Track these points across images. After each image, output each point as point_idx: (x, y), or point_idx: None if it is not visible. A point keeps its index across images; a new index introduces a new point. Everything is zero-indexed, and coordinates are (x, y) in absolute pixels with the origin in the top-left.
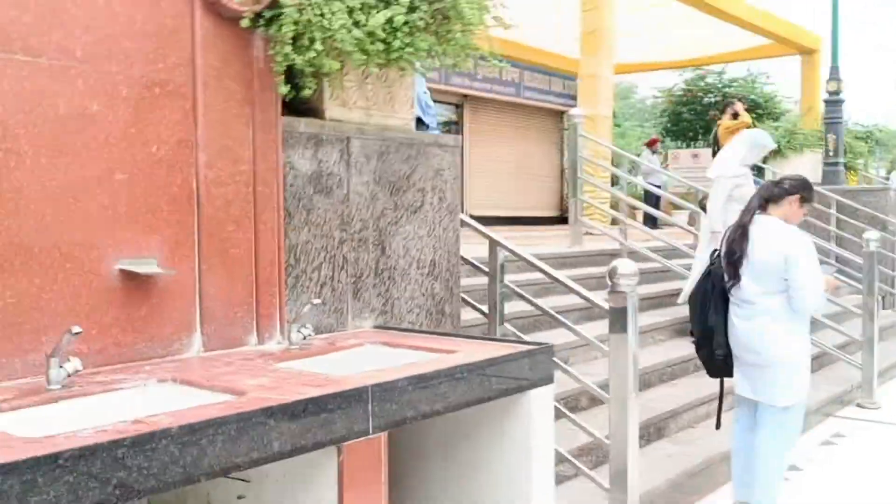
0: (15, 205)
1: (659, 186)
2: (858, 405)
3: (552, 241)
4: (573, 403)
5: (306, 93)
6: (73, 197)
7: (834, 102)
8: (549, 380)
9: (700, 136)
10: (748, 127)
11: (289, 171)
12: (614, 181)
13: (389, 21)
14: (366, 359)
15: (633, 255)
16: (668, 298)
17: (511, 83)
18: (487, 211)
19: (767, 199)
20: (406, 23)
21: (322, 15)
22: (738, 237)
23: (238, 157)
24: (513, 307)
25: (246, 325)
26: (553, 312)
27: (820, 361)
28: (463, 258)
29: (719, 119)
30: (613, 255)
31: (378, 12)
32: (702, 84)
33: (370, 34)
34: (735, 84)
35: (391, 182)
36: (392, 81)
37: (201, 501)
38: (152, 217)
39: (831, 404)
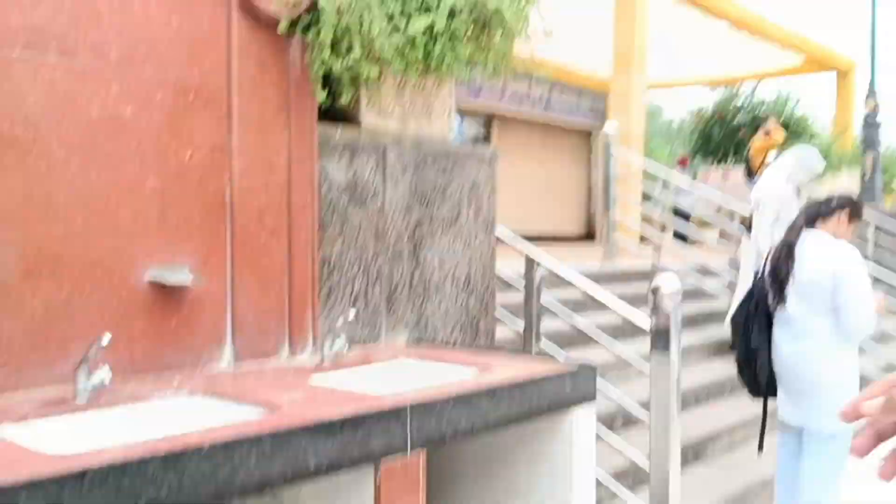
0: (45, 210)
1: (686, 208)
2: None
3: (581, 258)
4: (608, 424)
5: (343, 100)
6: (104, 203)
7: (871, 121)
8: (590, 399)
9: (730, 156)
10: (780, 145)
11: (324, 180)
12: (644, 199)
13: (430, 28)
14: (401, 374)
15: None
16: (703, 318)
17: (539, 101)
18: (514, 227)
19: (814, 216)
20: (446, 30)
21: (361, 20)
22: (784, 256)
23: (273, 164)
24: (544, 324)
25: (278, 337)
26: (591, 330)
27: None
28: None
29: (751, 138)
30: (645, 273)
31: (418, 18)
32: (732, 103)
33: (410, 41)
34: (766, 104)
35: (427, 193)
36: (430, 90)
37: None
38: (184, 225)
39: None
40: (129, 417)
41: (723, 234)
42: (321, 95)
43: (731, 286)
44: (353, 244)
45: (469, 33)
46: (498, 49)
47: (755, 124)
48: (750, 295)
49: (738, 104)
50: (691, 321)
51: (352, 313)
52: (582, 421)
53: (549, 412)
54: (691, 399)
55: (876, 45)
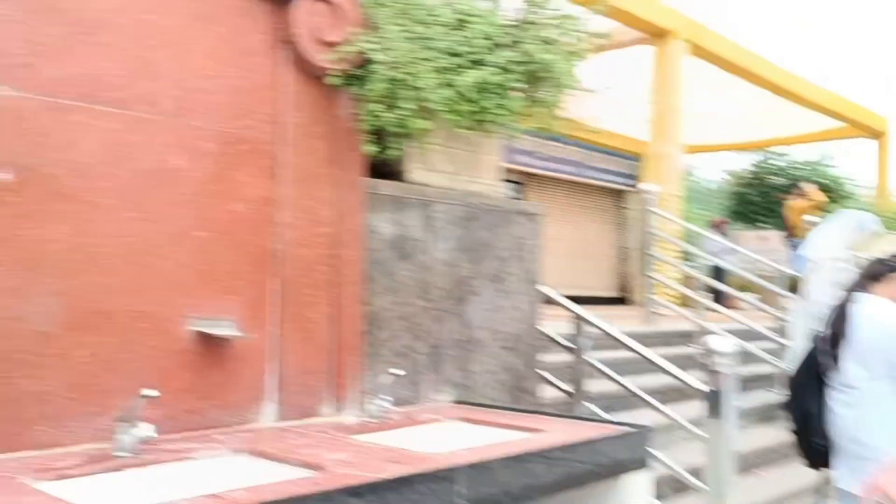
0: (92, 259)
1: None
2: None
3: (619, 320)
4: (657, 491)
5: (392, 153)
6: (152, 253)
7: None
8: (645, 463)
9: (766, 218)
10: (819, 206)
11: (370, 235)
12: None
13: (481, 81)
14: (447, 435)
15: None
16: (749, 382)
17: (573, 162)
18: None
19: (871, 277)
20: (497, 84)
21: (412, 74)
22: (839, 319)
23: (320, 217)
24: (587, 385)
25: (322, 395)
26: (641, 392)
27: None
28: (542, 332)
29: (789, 200)
30: (687, 335)
31: (469, 72)
32: (769, 166)
33: (461, 94)
34: (804, 166)
35: (473, 249)
36: (477, 145)
37: None
38: (230, 277)
39: None
40: (173, 475)
41: (763, 296)
42: (371, 148)
43: (776, 349)
44: (398, 300)
45: (519, 86)
46: (549, 102)
47: (792, 186)
48: (805, 359)
49: (775, 166)
50: (738, 385)
51: (397, 371)
52: (636, 486)
53: (602, 476)
54: (741, 466)
55: None
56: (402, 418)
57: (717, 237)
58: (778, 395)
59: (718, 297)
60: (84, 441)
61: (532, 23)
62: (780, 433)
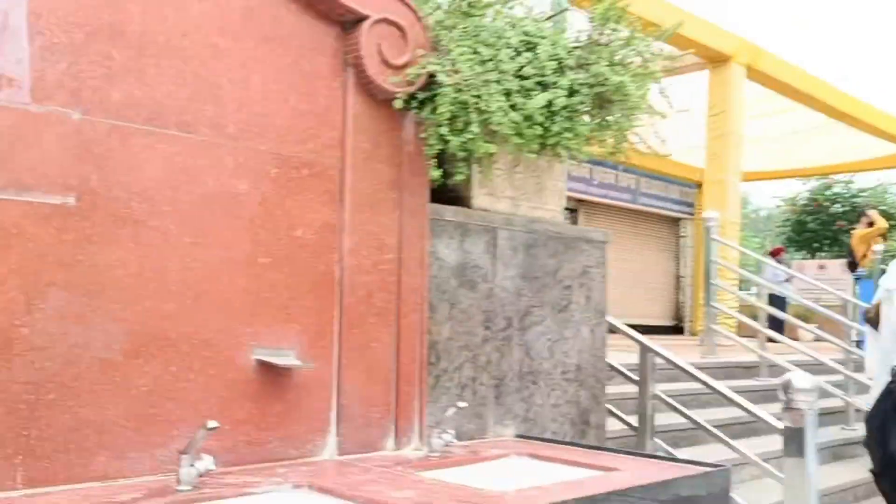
0: (156, 286)
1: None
2: None
3: (678, 350)
4: None
5: (458, 178)
6: (215, 280)
7: None
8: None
9: (826, 247)
10: (884, 234)
11: (433, 261)
12: (741, 289)
13: (548, 105)
14: (514, 472)
15: (774, 368)
16: (820, 417)
17: (627, 189)
18: None
19: None
20: (565, 107)
21: (479, 97)
22: None
23: (383, 243)
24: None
25: (384, 428)
26: (712, 428)
27: None
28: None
29: (852, 229)
30: (750, 367)
31: (537, 95)
32: (828, 193)
33: (527, 118)
34: (864, 194)
35: (537, 277)
36: (542, 170)
37: None
38: (293, 305)
39: None
40: None
41: (824, 326)
42: (436, 173)
43: (843, 382)
44: (461, 329)
45: (589, 109)
46: (619, 125)
47: (853, 214)
48: (883, 395)
49: (835, 193)
50: None
51: (461, 404)
52: None
53: None
54: None
55: None
56: (466, 453)
57: (779, 266)
58: (849, 430)
59: (779, 326)
60: (145, 472)
61: (600, 44)
62: (854, 472)
